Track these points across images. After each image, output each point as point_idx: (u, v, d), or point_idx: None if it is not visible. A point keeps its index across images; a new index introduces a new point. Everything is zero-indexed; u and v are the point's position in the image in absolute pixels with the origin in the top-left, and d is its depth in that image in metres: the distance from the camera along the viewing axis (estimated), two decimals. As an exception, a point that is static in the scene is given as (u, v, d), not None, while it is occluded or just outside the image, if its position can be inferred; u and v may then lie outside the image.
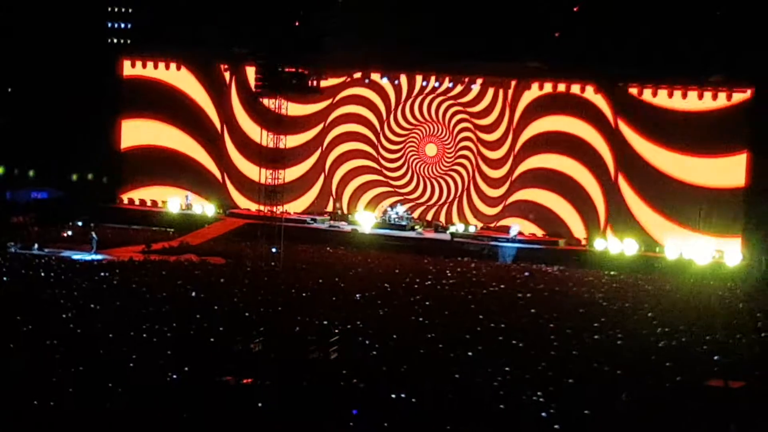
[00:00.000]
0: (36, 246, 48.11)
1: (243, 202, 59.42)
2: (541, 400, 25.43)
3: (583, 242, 53.32)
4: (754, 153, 49.56)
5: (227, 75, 59.69)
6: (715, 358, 31.07)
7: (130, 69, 60.23)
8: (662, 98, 51.57)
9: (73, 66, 58.00)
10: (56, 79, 58.72)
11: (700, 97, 50.64)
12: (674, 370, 28.85)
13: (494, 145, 56.25)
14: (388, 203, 57.99)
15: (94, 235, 49.83)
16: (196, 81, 59.82)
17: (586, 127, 53.39)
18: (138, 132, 60.86)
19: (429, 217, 57.83)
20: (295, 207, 58.22)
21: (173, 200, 58.99)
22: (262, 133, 50.96)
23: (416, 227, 56.07)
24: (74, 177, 60.81)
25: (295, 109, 54.33)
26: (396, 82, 57.60)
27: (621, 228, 52.64)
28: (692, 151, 51.05)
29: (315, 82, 51.95)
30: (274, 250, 45.91)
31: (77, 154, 58.88)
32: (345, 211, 58.73)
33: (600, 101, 53.02)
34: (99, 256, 47.23)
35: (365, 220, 56.68)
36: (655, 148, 51.84)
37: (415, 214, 57.66)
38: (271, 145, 49.94)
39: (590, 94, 53.19)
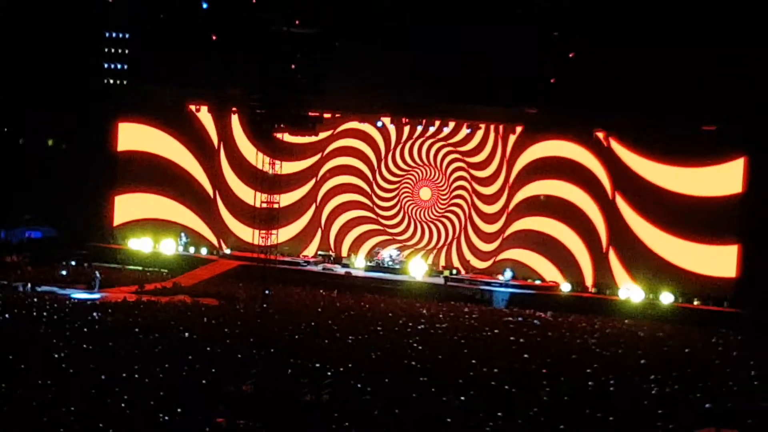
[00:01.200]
0: (40, 285, 48.43)
1: (240, 229, 59.47)
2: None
3: (590, 288, 53.44)
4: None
5: (210, 122, 60.06)
6: (707, 405, 31.12)
7: (125, 137, 61.13)
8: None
9: (68, 110, 58.25)
10: (49, 121, 58.96)
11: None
12: (666, 417, 28.89)
13: (487, 181, 56.49)
14: (383, 248, 58.09)
15: (98, 274, 50.01)
16: (177, 141, 60.55)
17: (577, 190, 53.83)
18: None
19: (429, 261, 57.96)
20: (285, 233, 58.22)
21: (167, 242, 59.08)
22: (257, 156, 51.42)
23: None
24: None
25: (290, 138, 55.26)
26: (392, 125, 57.82)
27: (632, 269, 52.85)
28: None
29: (311, 124, 52.40)
30: (267, 291, 46.02)
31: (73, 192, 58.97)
32: (337, 255, 58.87)
33: (595, 165, 53.37)
34: (98, 295, 47.38)
35: (358, 264, 56.90)
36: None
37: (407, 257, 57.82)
38: (270, 172, 50.44)
39: (583, 156, 53.62)
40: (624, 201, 52.81)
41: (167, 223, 60.60)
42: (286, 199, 56.26)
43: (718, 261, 50.92)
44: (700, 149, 50.90)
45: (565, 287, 53.04)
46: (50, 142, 60.92)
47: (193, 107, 60.11)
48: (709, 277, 50.96)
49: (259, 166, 52.72)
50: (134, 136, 61.28)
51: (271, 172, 51.01)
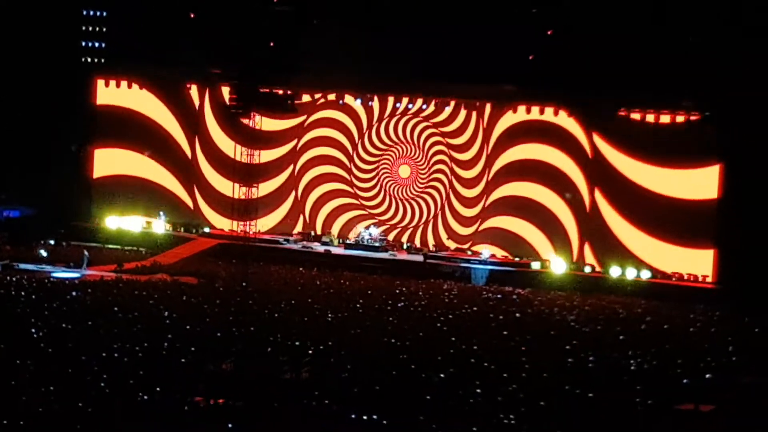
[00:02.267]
0: (43, 261, 48.96)
1: (217, 220, 59.40)
2: (512, 422, 25.52)
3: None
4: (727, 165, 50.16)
5: (196, 95, 59.75)
6: (685, 381, 31.24)
7: (103, 93, 60.54)
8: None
9: (47, 88, 57.86)
10: (29, 100, 58.57)
11: (673, 119, 51.18)
12: (645, 393, 28.98)
13: (468, 165, 56.50)
14: (362, 225, 58.08)
15: (86, 253, 49.93)
16: (163, 104, 60.01)
17: (560, 154, 53.74)
18: (111, 161, 61.12)
19: (404, 238, 57.97)
20: (267, 221, 58.22)
21: (145, 219, 59.00)
22: (236, 148, 51.24)
23: (389, 249, 56.24)
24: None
25: (269, 124, 54.70)
26: (369, 103, 57.80)
27: (600, 250, 52.95)
28: (665, 164, 51.45)
29: (290, 102, 52.20)
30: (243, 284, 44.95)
31: (51, 177, 58.69)
32: (317, 233, 58.81)
33: (574, 127, 53.37)
34: (87, 272, 47.51)
35: (338, 242, 56.92)
36: (631, 162, 52.23)
37: (390, 236, 57.82)
38: (245, 160, 50.22)
39: (563, 118, 53.57)
40: (601, 195, 52.94)
41: (147, 183, 60.23)
42: (265, 188, 56.15)
43: (695, 264, 51.22)
44: (677, 144, 50.98)
45: (558, 265, 53.01)
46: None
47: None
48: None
49: (235, 156, 52.44)
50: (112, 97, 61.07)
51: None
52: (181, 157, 60.41)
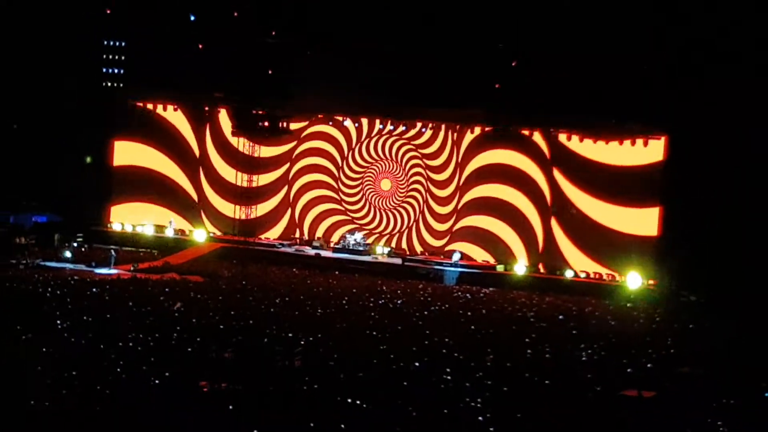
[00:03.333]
0: (67, 261, 49.20)
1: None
2: (479, 405, 25.59)
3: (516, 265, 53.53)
4: (666, 207, 50.17)
5: (205, 115, 59.71)
6: (629, 370, 31.36)
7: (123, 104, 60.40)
8: (588, 148, 52.03)
9: (70, 99, 57.87)
10: (52, 112, 58.50)
11: (620, 143, 51.17)
12: (594, 381, 29.10)
13: (443, 185, 56.52)
14: (346, 230, 58.09)
15: (113, 252, 50.05)
16: (184, 118, 59.80)
17: (526, 159, 53.72)
18: (129, 153, 60.74)
19: (382, 242, 57.87)
20: (268, 235, 58.29)
21: (161, 224, 58.83)
22: (237, 175, 51.20)
23: (372, 253, 56.24)
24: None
25: (266, 151, 54.71)
26: (356, 124, 57.87)
27: (553, 257, 53.02)
28: (613, 200, 51.46)
29: (285, 124, 52.24)
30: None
31: (73, 172, 58.42)
32: (308, 238, 58.77)
33: (539, 140, 53.46)
34: (115, 270, 47.67)
35: (326, 246, 56.93)
36: (582, 194, 52.21)
37: (370, 241, 57.76)
38: (244, 184, 50.21)
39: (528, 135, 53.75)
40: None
41: (163, 179, 60.02)
42: (263, 208, 56.12)
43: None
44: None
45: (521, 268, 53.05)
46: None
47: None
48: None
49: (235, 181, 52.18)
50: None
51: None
52: (192, 158, 60.18)
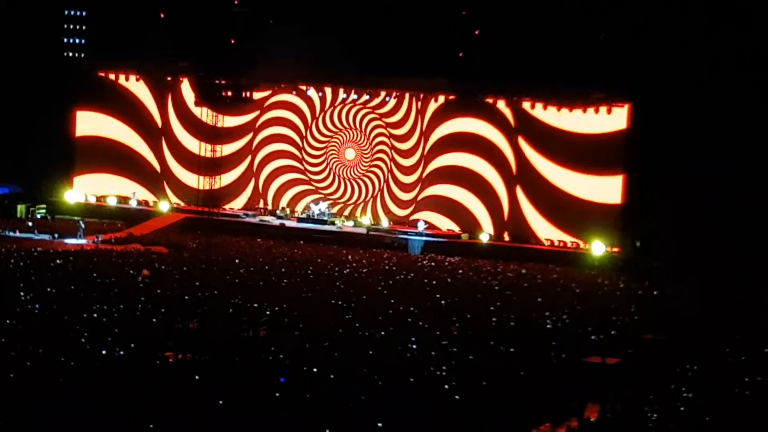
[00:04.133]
0: (35, 231, 49.54)
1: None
2: (444, 373, 25.68)
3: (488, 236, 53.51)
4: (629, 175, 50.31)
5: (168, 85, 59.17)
6: (593, 337, 31.57)
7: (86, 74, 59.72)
8: (552, 116, 52.03)
9: (33, 81, 57.19)
10: (12, 85, 57.83)
11: (584, 111, 51.21)
12: (559, 348, 29.26)
13: (407, 153, 56.38)
14: (311, 200, 57.88)
15: (81, 224, 50.15)
16: (146, 87, 59.21)
17: (491, 128, 53.64)
18: (92, 123, 60.11)
19: (347, 212, 57.71)
20: (232, 206, 58.02)
21: (122, 188, 58.49)
22: (200, 145, 50.90)
23: (336, 222, 56.08)
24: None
25: (229, 121, 54.33)
26: (320, 93, 57.56)
27: (518, 226, 53.03)
28: (577, 168, 51.53)
29: (248, 94, 51.92)
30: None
31: (35, 143, 57.79)
32: (272, 208, 58.53)
33: (503, 108, 53.34)
34: (85, 240, 47.79)
35: (290, 215, 56.76)
36: (547, 163, 52.23)
37: (335, 210, 57.61)
38: (208, 154, 49.96)
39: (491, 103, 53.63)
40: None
41: (125, 149, 59.63)
42: (227, 178, 55.90)
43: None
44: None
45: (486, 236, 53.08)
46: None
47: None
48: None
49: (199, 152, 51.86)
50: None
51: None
52: (154, 128, 59.59)
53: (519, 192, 52.98)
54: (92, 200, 58.97)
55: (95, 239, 48.45)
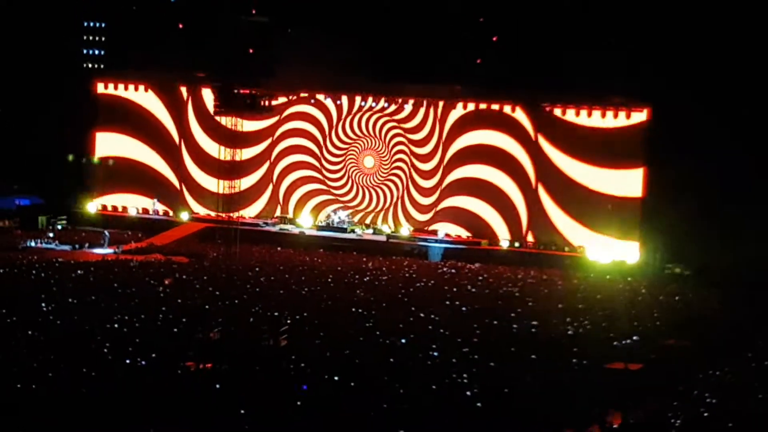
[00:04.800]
0: (56, 241, 49.82)
1: (202, 212, 58.86)
2: (465, 380, 25.60)
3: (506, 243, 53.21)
4: (650, 168, 50.01)
5: (185, 95, 59.14)
6: (615, 343, 31.43)
7: (103, 89, 59.66)
8: (572, 116, 51.83)
9: (51, 85, 57.39)
10: (35, 98, 58.07)
11: (603, 116, 51.00)
12: (580, 354, 29.13)
13: (425, 158, 56.25)
14: (331, 209, 57.82)
15: (106, 233, 50.64)
16: (160, 101, 59.25)
17: (509, 139, 53.45)
18: (110, 143, 60.33)
19: (368, 220, 57.59)
20: (248, 212, 57.91)
21: (143, 204, 58.40)
22: (220, 149, 50.95)
23: (356, 230, 56.00)
24: None
25: (248, 126, 54.34)
26: (338, 102, 57.53)
27: (541, 231, 52.72)
28: (599, 163, 51.28)
29: (267, 102, 51.99)
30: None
31: (56, 162, 58.07)
32: (292, 216, 58.48)
33: (521, 116, 53.12)
34: (110, 250, 48.18)
35: (309, 224, 56.64)
36: (569, 160, 52.01)
37: (355, 219, 57.50)
38: (228, 158, 50.03)
39: (510, 111, 53.32)
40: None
41: (144, 168, 59.73)
42: (246, 182, 55.91)
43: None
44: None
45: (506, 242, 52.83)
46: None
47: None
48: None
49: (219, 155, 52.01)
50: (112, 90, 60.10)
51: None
52: (171, 146, 59.66)
53: (541, 191, 52.63)
54: (112, 210, 59.00)
55: (116, 249, 48.54)
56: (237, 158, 50.16)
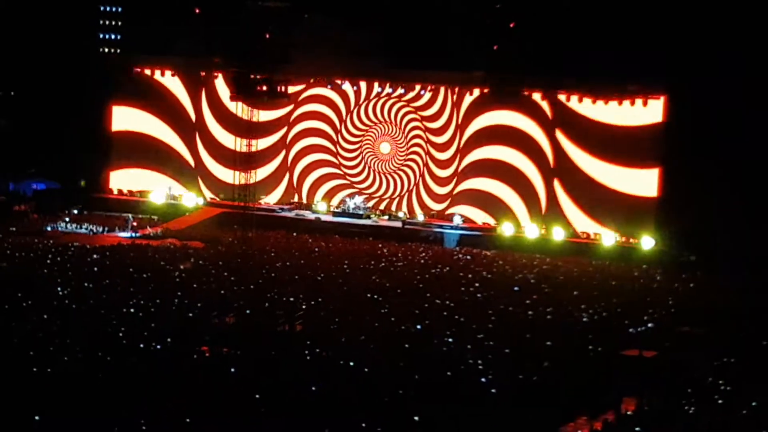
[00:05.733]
0: (83, 225, 50.24)
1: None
2: (480, 367, 25.66)
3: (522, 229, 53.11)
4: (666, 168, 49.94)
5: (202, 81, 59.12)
6: (630, 330, 31.46)
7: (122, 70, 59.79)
8: (589, 109, 51.68)
9: (70, 76, 57.58)
10: (50, 81, 58.24)
11: (620, 103, 50.85)
12: (596, 341, 29.16)
13: (443, 147, 56.20)
14: (346, 194, 57.84)
15: (131, 217, 51.19)
16: (183, 85, 59.27)
17: (528, 120, 53.33)
18: (127, 118, 60.20)
19: (382, 206, 57.65)
20: (267, 200, 57.97)
21: (157, 191, 58.37)
22: (235, 140, 51.03)
23: (372, 216, 56.05)
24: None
25: (264, 115, 54.40)
26: (355, 87, 57.47)
27: (554, 218, 52.60)
28: (615, 161, 51.19)
29: (283, 88, 52.07)
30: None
31: (72, 136, 58.10)
32: (307, 202, 58.52)
33: (539, 101, 52.97)
34: (136, 234, 48.92)
35: (324, 209, 56.65)
36: (584, 155, 51.90)
37: (370, 205, 57.53)
38: (243, 149, 50.15)
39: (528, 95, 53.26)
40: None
41: (160, 144, 59.75)
42: (262, 172, 56.06)
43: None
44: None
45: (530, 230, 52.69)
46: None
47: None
48: (634, 196, 50.95)
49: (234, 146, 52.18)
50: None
51: None
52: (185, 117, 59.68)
53: (557, 185, 52.62)
54: (128, 195, 59.14)
55: (132, 233, 48.75)
56: (253, 149, 50.37)
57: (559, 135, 52.41)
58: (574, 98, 51.99)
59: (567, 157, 52.25)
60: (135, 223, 50.60)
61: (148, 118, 59.35)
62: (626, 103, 50.64)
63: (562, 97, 52.26)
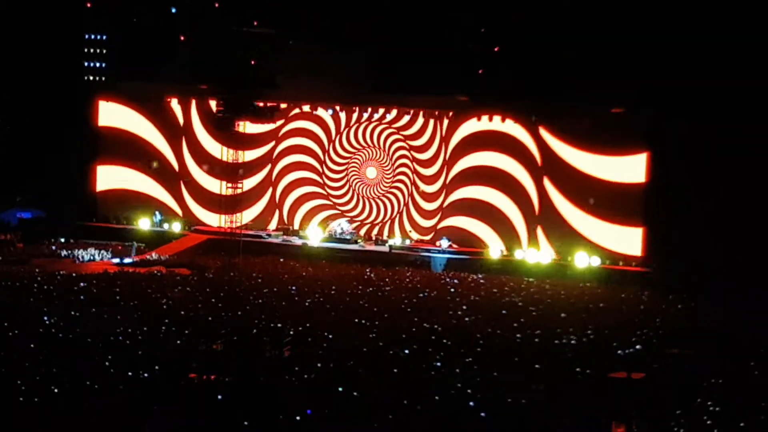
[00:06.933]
0: (84, 252, 50.37)
1: (204, 215, 58.98)
2: (468, 390, 25.64)
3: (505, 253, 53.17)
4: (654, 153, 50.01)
5: (178, 108, 58.90)
6: (618, 352, 31.47)
7: (104, 115, 59.84)
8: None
9: (56, 103, 57.57)
10: (37, 115, 58.23)
11: (604, 119, 51.03)
12: (583, 363, 29.16)
13: (428, 163, 56.22)
14: (336, 223, 57.78)
15: (135, 243, 51.60)
16: (150, 123, 59.44)
17: (511, 161, 53.47)
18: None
19: (373, 233, 57.64)
20: (248, 215, 57.73)
21: (143, 219, 58.30)
22: (222, 150, 51.27)
23: (359, 241, 56.05)
24: None
25: (250, 128, 54.79)
26: (336, 111, 57.42)
27: (554, 235, 52.56)
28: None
29: (270, 111, 52.42)
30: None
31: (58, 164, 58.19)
32: (294, 228, 58.49)
33: (522, 134, 53.08)
34: (136, 259, 49.29)
35: (313, 235, 56.61)
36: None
37: (358, 230, 57.53)
38: (231, 159, 50.53)
39: (510, 125, 53.26)
40: (549, 181, 52.63)
41: (143, 196, 59.73)
42: (248, 183, 56.11)
43: (626, 240, 50.81)
44: (610, 134, 50.78)
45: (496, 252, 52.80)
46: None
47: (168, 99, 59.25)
48: (619, 254, 51.00)
49: (220, 157, 52.50)
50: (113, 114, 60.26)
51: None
52: (168, 167, 59.79)
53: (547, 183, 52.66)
54: (114, 223, 59.00)
55: (118, 261, 48.66)
56: (240, 160, 50.83)
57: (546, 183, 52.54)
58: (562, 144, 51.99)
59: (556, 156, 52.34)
60: (142, 245, 51.77)
61: (133, 174, 59.72)
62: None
63: (543, 133, 52.31)
